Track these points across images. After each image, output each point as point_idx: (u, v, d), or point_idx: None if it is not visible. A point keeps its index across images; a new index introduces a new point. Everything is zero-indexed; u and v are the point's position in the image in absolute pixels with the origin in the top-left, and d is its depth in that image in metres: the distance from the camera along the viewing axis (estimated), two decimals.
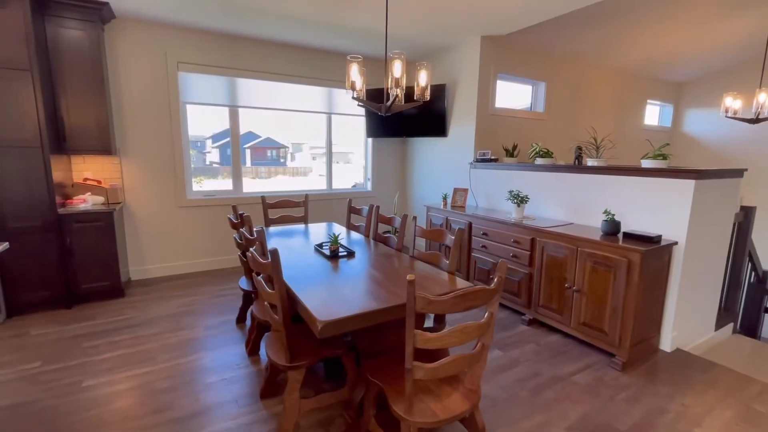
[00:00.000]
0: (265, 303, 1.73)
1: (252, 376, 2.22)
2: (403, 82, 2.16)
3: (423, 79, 2.25)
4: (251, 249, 1.79)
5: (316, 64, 4.44)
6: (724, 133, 5.85)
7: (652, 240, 2.34)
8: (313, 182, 4.92)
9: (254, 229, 2.20)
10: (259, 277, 1.74)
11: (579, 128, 5.09)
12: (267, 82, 4.20)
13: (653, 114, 6.39)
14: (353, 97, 2.25)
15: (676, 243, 2.43)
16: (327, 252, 2.31)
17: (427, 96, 2.29)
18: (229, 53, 3.95)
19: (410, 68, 4.47)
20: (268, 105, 4.29)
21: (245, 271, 2.63)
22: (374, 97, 4.42)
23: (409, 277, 1.18)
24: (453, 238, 2.04)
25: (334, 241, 2.29)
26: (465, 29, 3.72)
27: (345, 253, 2.30)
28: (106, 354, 2.43)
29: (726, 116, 3.89)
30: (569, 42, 4.27)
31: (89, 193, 3.34)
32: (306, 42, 4.12)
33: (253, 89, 4.16)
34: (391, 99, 2.22)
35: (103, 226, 3.15)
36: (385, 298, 1.61)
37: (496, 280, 1.34)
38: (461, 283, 1.83)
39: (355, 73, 2.19)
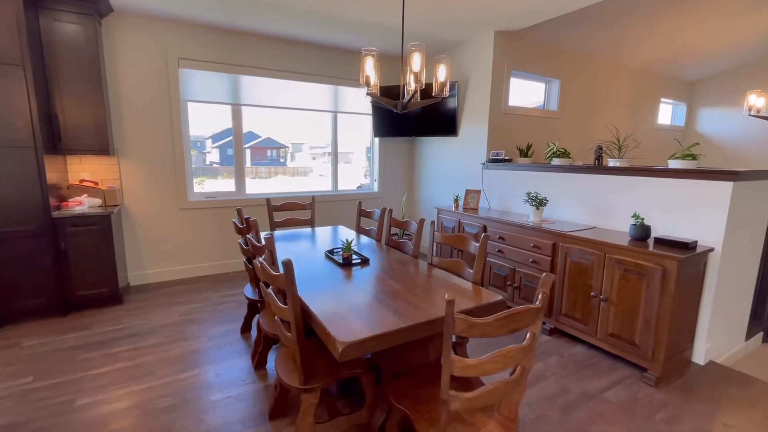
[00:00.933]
0: (276, 318, 1.57)
1: (259, 394, 2.06)
2: (423, 77, 2.01)
3: (442, 74, 2.10)
4: (260, 258, 1.64)
5: (321, 61, 4.28)
6: (738, 132, 5.69)
7: (688, 246, 2.18)
8: (314, 182, 4.76)
9: (262, 236, 2.05)
10: (269, 290, 1.58)
11: (593, 127, 4.93)
12: (271, 79, 4.04)
13: (666, 113, 6.23)
14: (367, 93, 2.09)
15: (712, 249, 2.27)
16: (339, 259, 2.15)
17: (446, 92, 2.14)
18: (233, 49, 3.79)
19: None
20: (272, 103, 4.13)
21: (251, 278, 2.47)
22: (384, 94, 4.26)
23: (447, 296, 1.02)
24: (477, 245, 1.89)
25: (347, 247, 2.14)
26: (478, 24, 3.56)
27: (359, 261, 2.14)
28: (103, 368, 2.27)
29: (749, 115, 3.74)
30: (583, 38, 4.10)
31: (86, 195, 3.18)
32: (312, 37, 3.95)
33: (257, 86, 4.00)
34: (409, 95, 2.06)
35: (100, 229, 2.99)
36: (409, 314, 1.45)
37: (540, 296, 1.18)
38: (486, 294, 1.68)
39: (370, 67, 2.03)
